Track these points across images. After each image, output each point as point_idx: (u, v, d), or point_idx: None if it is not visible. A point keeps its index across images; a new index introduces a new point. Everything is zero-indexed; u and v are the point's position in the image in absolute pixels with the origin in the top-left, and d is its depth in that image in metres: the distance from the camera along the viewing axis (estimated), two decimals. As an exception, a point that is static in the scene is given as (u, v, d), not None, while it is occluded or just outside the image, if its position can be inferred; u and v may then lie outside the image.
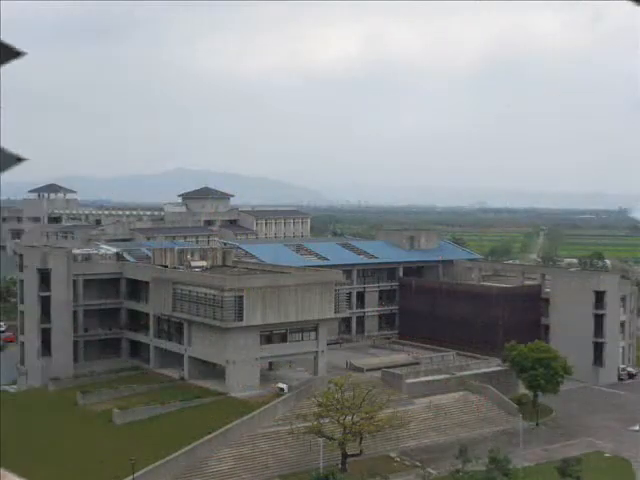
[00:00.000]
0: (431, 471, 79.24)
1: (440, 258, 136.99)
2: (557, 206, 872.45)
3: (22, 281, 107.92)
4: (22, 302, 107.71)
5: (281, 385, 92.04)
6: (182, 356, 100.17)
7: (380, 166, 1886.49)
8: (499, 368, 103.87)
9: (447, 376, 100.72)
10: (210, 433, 79.69)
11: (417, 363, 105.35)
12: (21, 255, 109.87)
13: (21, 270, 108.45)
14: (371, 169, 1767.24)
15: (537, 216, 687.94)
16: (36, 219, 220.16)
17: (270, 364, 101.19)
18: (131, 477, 69.49)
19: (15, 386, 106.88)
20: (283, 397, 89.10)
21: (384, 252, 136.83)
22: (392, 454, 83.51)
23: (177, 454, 75.49)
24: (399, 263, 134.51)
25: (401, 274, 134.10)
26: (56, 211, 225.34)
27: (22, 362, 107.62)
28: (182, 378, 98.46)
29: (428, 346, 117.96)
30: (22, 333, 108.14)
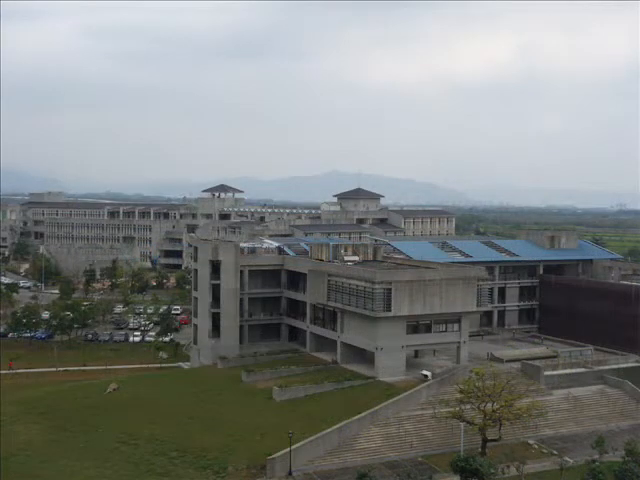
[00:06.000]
0: (567, 459, 76.60)
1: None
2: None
3: (196, 270, 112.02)
4: (196, 289, 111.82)
5: (425, 372, 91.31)
6: (335, 341, 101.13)
7: (521, 168, 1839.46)
8: (637, 364, 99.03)
9: (585, 370, 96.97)
10: (360, 413, 79.96)
11: (555, 356, 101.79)
12: (195, 248, 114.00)
13: (195, 260, 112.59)
14: (513, 171, 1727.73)
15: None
16: (208, 216, 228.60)
17: (416, 352, 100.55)
18: (288, 449, 70.68)
19: (189, 363, 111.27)
20: (427, 383, 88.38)
21: (525, 250, 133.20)
22: (530, 441, 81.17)
23: (330, 430, 76.03)
24: (539, 261, 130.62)
25: (541, 272, 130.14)
26: (226, 209, 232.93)
27: (195, 342, 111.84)
28: (335, 362, 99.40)
29: (567, 340, 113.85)
30: (195, 316, 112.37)
